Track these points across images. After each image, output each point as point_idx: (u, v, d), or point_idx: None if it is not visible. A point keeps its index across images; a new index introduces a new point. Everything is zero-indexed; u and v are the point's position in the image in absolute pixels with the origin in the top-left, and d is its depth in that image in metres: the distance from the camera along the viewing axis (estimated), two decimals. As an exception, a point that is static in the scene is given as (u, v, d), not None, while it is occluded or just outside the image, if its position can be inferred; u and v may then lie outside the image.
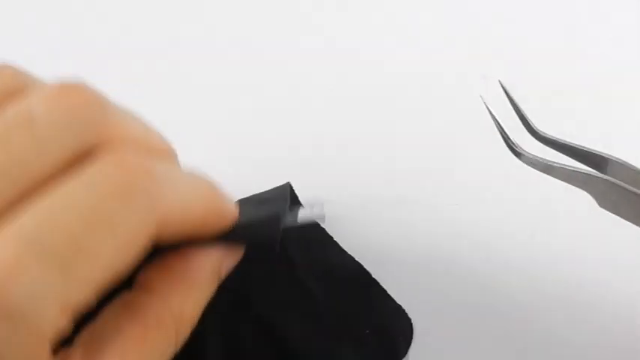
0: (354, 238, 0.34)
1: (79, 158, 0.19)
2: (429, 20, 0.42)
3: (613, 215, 0.26)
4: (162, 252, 0.22)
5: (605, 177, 0.26)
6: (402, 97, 0.38)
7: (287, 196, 0.24)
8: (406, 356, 0.30)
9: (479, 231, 0.34)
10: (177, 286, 0.22)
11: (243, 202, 0.24)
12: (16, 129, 0.18)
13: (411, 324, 0.30)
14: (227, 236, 0.22)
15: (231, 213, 0.22)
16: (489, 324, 0.31)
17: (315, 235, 0.33)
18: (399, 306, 0.31)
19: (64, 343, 0.20)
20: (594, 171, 0.27)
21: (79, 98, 0.19)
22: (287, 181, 0.27)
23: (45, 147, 0.18)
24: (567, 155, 0.28)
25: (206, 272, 0.23)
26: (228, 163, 0.36)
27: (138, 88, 0.39)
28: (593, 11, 0.42)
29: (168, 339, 0.21)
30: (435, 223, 0.35)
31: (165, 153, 0.22)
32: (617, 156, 0.27)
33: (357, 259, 0.33)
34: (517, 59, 0.40)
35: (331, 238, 0.33)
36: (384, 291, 0.31)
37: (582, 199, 0.34)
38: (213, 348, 0.26)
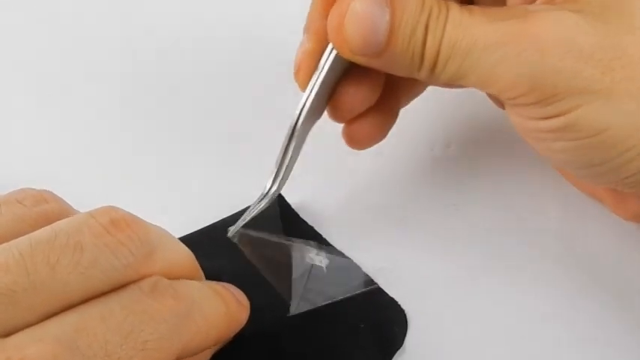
0: (350, 238, 0.34)
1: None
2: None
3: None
4: None
5: None
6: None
7: None
8: (402, 346, 0.30)
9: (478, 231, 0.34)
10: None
11: None
12: (65, 254, 0.21)
13: (405, 315, 0.31)
14: None
15: (242, 323, 0.26)
16: (489, 323, 0.31)
17: (304, 233, 0.33)
18: (392, 298, 0.31)
19: None
20: None
21: (124, 234, 0.22)
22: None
23: (88, 278, 0.21)
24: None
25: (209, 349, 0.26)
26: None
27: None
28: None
29: None
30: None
31: (194, 275, 0.25)
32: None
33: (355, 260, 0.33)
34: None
35: (320, 235, 0.34)
36: (377, 284, 0.32)
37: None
38: None
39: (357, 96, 0.30)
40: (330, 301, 0.30)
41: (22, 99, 0.41)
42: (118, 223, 0.22)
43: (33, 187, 0.26)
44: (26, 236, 0.21)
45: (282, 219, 0.33)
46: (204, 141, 0.38)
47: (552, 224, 0.34)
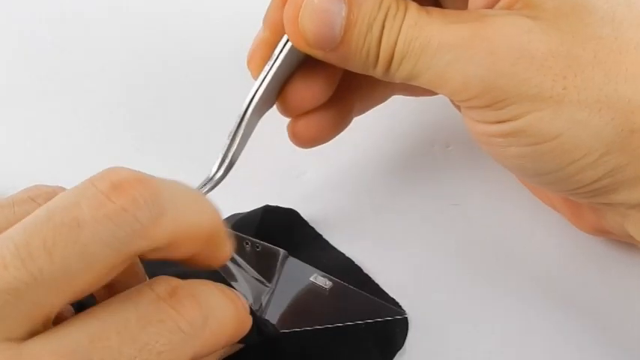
0: (350, 238, 0.34)
1: (125, 263, 0.21)
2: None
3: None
4: None
5: None
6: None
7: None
8: (403, 347, 0.30)
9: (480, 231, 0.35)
10: None
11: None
12: (61, 233, 0.19)
13: (406, 316, 0.31)
14: None
15: (247, 330, 0.25)
16: (490, 323, 0.31)
17: (305, 233, 0.33)
18: (393, 299, 0.31)
19: None
20: None
21: (128, 198, 0.20)
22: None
23: (91, 256, 0.19)
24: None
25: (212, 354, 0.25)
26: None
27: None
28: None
29: None
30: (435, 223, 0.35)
31: (206, 228, 0.23)
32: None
33: (355, 261, 0.33)
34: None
35: (320, 235, 0.34)
36: (377, 285, 0.32)
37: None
38: None
39: (307, 91, 0.30)
40: (325, 325, 0.30)
41: (22, 98, 0.41)
42: (120, 186, 0.20)
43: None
44: (20, 222, 0.20)
45: (284, 221, 0.33)
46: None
47: (553, 223, 0.35)
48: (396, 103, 0.38)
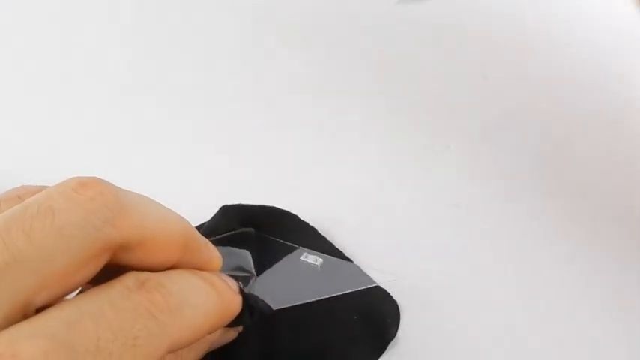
0: (349, 239, 0.34)
1: (102, 256, 0.21)
2: (428, 20, 0.42)
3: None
4: None
5: None
6: (403, 97, 0.39)
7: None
8: (395, 337, 0.30)
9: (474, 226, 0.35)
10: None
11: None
12: (38, 219, 0.20)
13: (398, 306, 0.31)
14: None
15: (236, 312, 0.26)
16: (482, 315, 0.31)
17: (293, 224, 0.33)
18: (383, 289, 0.31)
19: None
20: None
21: (95, 191, 0.21)
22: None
23: (66, 238, 0.20)
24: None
25: (202, 341, 0.26)
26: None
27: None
28: (593, 10, 0.42)
29: None
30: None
31: (179, 235, 0.24)
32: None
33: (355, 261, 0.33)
34: (517, 59, 0.40)
35: (310, 225, 0.34)
36: (367, 276, 0.32)
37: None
38: None
39: None
40: (320, 297, 0.30)
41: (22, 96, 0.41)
42: (87, 184, 0.22)
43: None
44: (0, 215, 0.21)
45: (283, 223, 0.33)
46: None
47: (553, 224, 0.34)
48: (396, 102, 0.38)
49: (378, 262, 0.33)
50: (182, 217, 0.25)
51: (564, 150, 0.37)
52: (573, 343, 0.30)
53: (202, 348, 0.26)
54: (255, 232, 0.31)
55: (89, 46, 0.44)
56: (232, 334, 0.27)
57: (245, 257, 0.29)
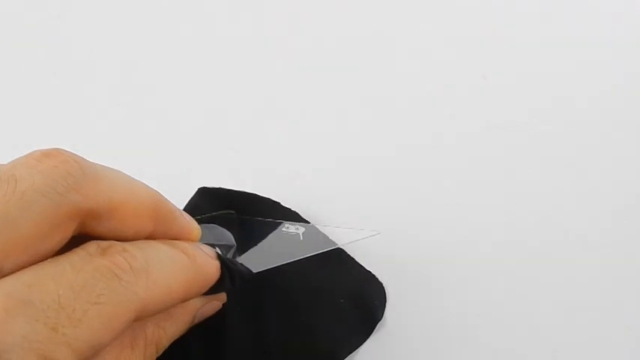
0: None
1: (68, 224, 0.21)
2: (428, 20, 0.42)
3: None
4: None
5: None
6: (402, 97, 0.39)
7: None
8: (382, 319, 0.30)
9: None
10: (155, 315, 0.24)
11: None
12: (1, 188, 0.20)
13: (384, 288, 0.31)
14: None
15: (214, 277, 0.25)
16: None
17: (275, 210, 0.34)
18: (369, 272, 0.31)
19: None
20: None
21: (58, 160, 0.21)
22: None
23: (29, 204, 0.20)
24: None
25: (184, 311, 0.26)
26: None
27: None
28: (594, 8, 0.42)
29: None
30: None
31: (149, 204, 0.24)
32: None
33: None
34: (517, 59, 0.40)
35: (292, 211, 0.34)
36: (353, 259, 0.32)
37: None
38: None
39: None
40: (293, 260, 0.29)
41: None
42: (50, 154, 0.21)
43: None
44: None
45: (264, 208, 0.33)
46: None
47: (553, 223, 0.34)
48: (396, 102, 0.39)
49: (375, 260, 0.33)
50: (152, 188, 0.24)
51: (564, 150, 0.37)
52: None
53: (186, 320, 0.26)
54: (237, 215, 0.31)
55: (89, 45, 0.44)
56: (216, 304, 0.27)
57: (225, 233, 0.29)
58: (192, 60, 0.42)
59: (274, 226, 0.30)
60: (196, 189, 0.33)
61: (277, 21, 0.43)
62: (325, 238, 0.31)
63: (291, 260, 0.29)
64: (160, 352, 0.25)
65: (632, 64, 0.40)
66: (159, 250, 0.23)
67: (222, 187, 0.33)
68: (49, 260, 0.21)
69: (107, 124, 0.39)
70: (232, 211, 0.30)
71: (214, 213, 0.30)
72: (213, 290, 0.25)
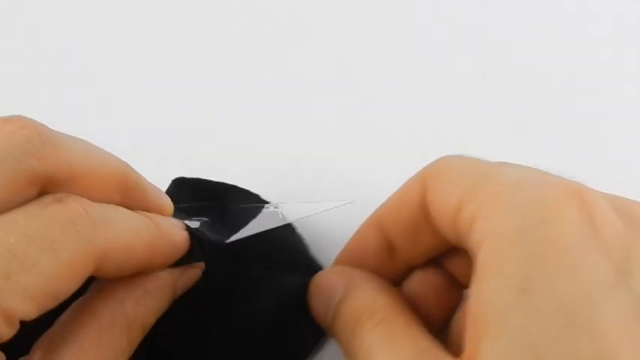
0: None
1: (27, 190, 0.21)
2: (428, 20, 0.42)
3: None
4: None
5: None
6: (402, 97, 0.39)
7: None
8: None
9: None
10: (133, 292, 0.24)
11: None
12: None
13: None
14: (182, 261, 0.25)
15: (181, 245, 0.25)
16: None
17: (254, 202, 0.33)
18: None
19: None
20: None
21: (16, 125, 0.21)
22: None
23: None
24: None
25: (162, 284, 0.25)
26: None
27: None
28: (595, 10, 0.42)
29: (121, 340, 0.23)
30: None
31: (115, 174, 0.23)
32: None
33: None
34: (517, 59, 0.40)
35: (250, 192, 0.33)
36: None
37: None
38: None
39: None
40: (265, 229, 0.29)
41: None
42: (8, 120, 0.21)
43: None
44: None
45: (243, 200, 0.32)
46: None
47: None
48: (396, 102, 0.39)
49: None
50: (120, 159, 0.24)
51: (564, 150, 0.37)
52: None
53: (166, 293, 0.25)
54: (217, 206, 0.30)
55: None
56: (194, 272, 0.26)
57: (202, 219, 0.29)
58: (182, 59, 0.41)
59: (257, 211, 0.30)
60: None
61: (267, 20, 0.43)
62: (301, 210, 0.30)
63: (265, 229, 0.28)
64: (147, 329, 0.24)
65: (632, 64, 0.39)
66: (119, 210, 0.23)
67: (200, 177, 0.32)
68: (2, 214, 0.20)
69: (105, 123, 0.39)
70: (211, 203, 0.30)
71: (192, 204, 0.29)
72: (185, 261, 0.25)
